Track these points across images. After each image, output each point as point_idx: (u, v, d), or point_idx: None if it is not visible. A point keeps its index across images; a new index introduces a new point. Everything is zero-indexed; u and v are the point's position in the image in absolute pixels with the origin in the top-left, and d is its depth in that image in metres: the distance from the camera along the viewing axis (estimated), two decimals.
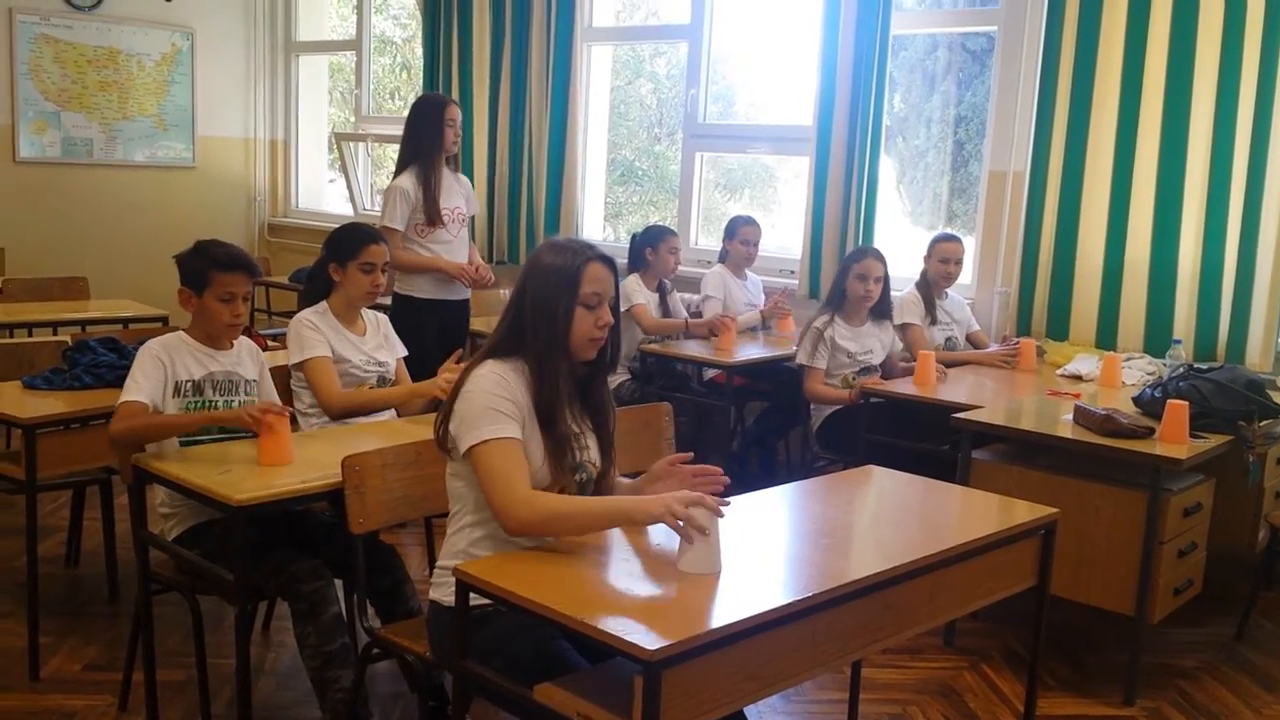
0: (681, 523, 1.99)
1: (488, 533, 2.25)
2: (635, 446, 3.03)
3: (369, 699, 2.70)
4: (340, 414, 3.29)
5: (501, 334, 2.28)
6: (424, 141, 4.54)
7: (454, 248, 4.62)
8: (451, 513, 2.33)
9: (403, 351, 3.57)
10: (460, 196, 4.70)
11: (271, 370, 3.15)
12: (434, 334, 4.41)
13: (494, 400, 2.18)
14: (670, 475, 2.33)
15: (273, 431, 2.65)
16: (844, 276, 4.47)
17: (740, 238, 5.19)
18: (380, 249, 3.43)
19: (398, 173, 4.58)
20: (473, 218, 4.92)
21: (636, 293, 4.96)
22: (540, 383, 2.23)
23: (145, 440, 2.75)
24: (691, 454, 2.37)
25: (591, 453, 2.34)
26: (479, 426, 2.16)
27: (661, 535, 2.24)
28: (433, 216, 4.52)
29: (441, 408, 2.28)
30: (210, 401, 2.88)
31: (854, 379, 4.39)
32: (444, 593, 2.27)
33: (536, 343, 2.23)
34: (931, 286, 4.74)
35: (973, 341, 4.86)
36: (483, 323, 5.01)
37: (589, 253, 2.27)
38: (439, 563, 2.33)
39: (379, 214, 4.68)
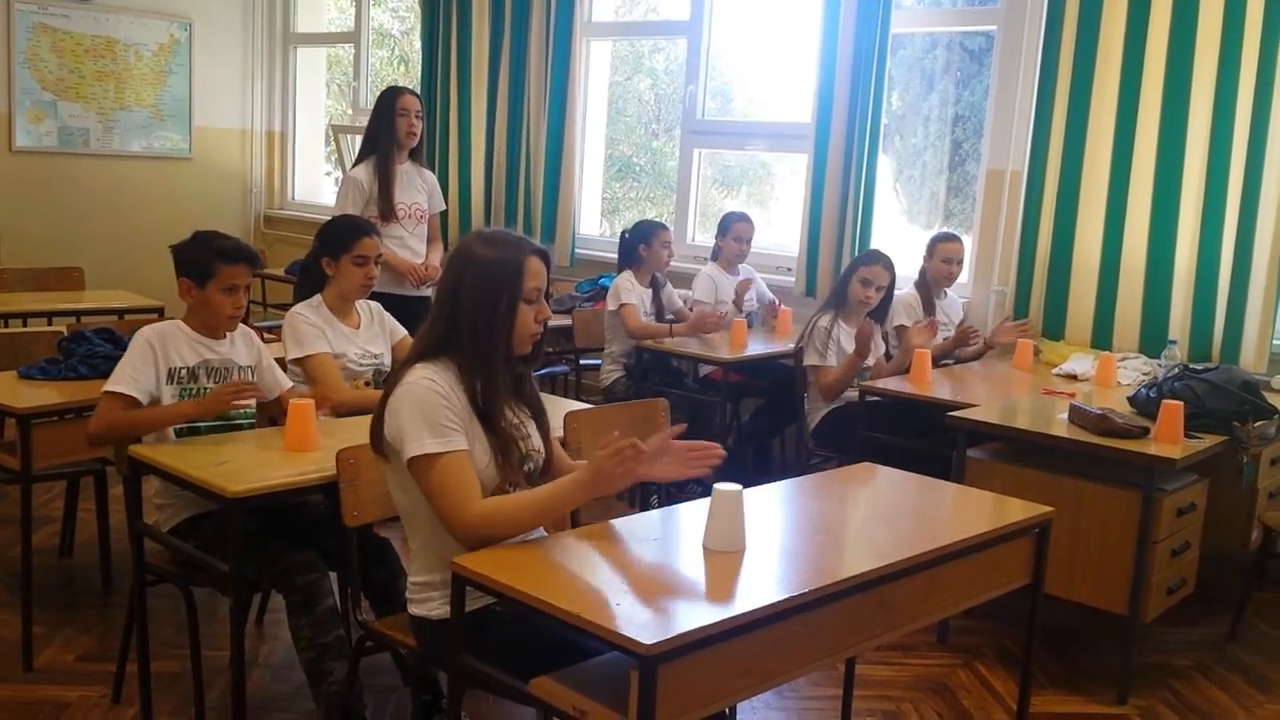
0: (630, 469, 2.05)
1: (449, 541, 2.17)
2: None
3: (363, 691, 2.70)
4: (347, 411, 3.26)
5: (434, 333, 2.21)
6: (379, 134, 4.56)
7: (408, 243, 4.61)
8: (407, 532, 2.29)
9: (403, 332, 3.56)
10: (421, 192, 4.68)
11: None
12: None
13: (433, 410, 2.11)
14: (663, 453, 2.20)
15: (298, 418, 2.69)
16: (849, 277, 4.45)
17: (733, 234, 5.18)
18: (373, 241, 3.43)
19: (355, 164, 4.59)
20: (444, 213, 4.88)
21: (628, 292, 4.94)
22: (480, 381, 2.18)
23: (123, 437, 2.73)
24: (685, 426, 2.29)
25: (534, 440, 2.33)
26: (421, 437, 2.09)
27: (658, 526, 2.24)
28: (386, 211, 4.51)
29: (378, 407, 2.22)
30: (204, 389, 2.88)
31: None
32: (427, 608, 2.25)
33: (475, 340, 2.18)
34: (931, 286, 4.72)
35: None
36: None
37: (527, 246, 2.24)
38: (414, 579, 2.29)
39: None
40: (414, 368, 2.18)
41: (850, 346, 4.40)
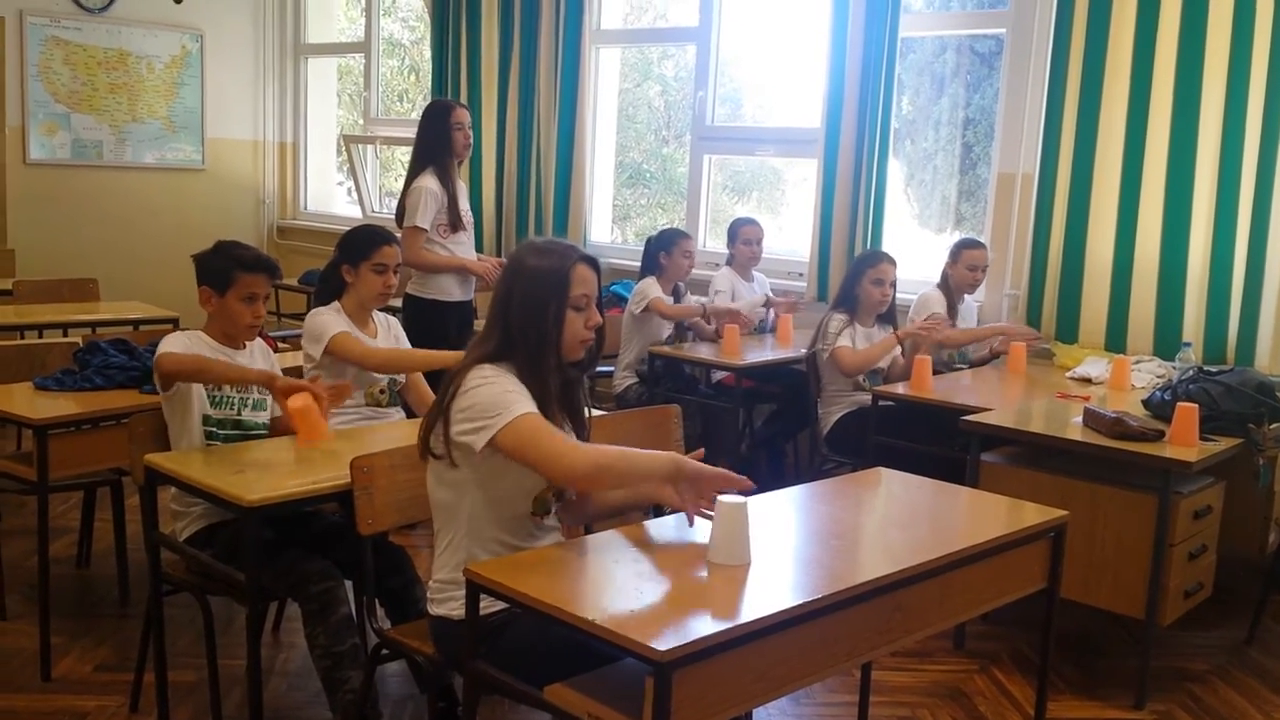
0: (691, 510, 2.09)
1: (485, 539, 2.24)
2: (644, 449, 3.03)
3: (379, 700, 2.71)
4: (381, 367, 3.36)
5: (491, 339, 2.26)
6: (433, 147, 4.59)
7: (467, 250, 4.70)
8: (439, 528, 2.31)
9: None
10: (467, 200, 4.77)
11: (284, 371, 3.17)
12: (455, 336, 4.44)
13: (504, 392, 2.17)
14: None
15: (306, 412, 2.70)
16: (856, 280, 4.44)
17: (742, 239, 5.20)
18: (393, 250, 3.44)
19: (413, 176, 4.61)
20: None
21: (653, 288, 4.98)
22: (532, 386, 2.22)
23: (189, 373, 2.77)
24: (703, 450, 2.34)
25: None
26: (502, 409, 2.13)
27: (672, 532, 2.25)
28: (455, 221, 4.59)
29: (430, 413, 2.26)
30: (227, 398, 2.91)
31: (864, 381, 4.38)
32: (448, 608, 2.26)
33: (527, 347, 2.23)
34: (954, 292, 4.69)
35: None
36: None
37: (574, 254, 2.27)
38: (436, 578, 2.31)
39: (392, 215, 4.75)
40: (480, 366, 2.22)
41: (861, 347, 4.40)
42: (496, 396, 2.16)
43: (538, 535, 2.31)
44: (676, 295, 5.12)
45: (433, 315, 4.54)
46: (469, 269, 4.64)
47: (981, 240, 4.83)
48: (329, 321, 3.33)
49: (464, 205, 4.67)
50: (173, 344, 2.82)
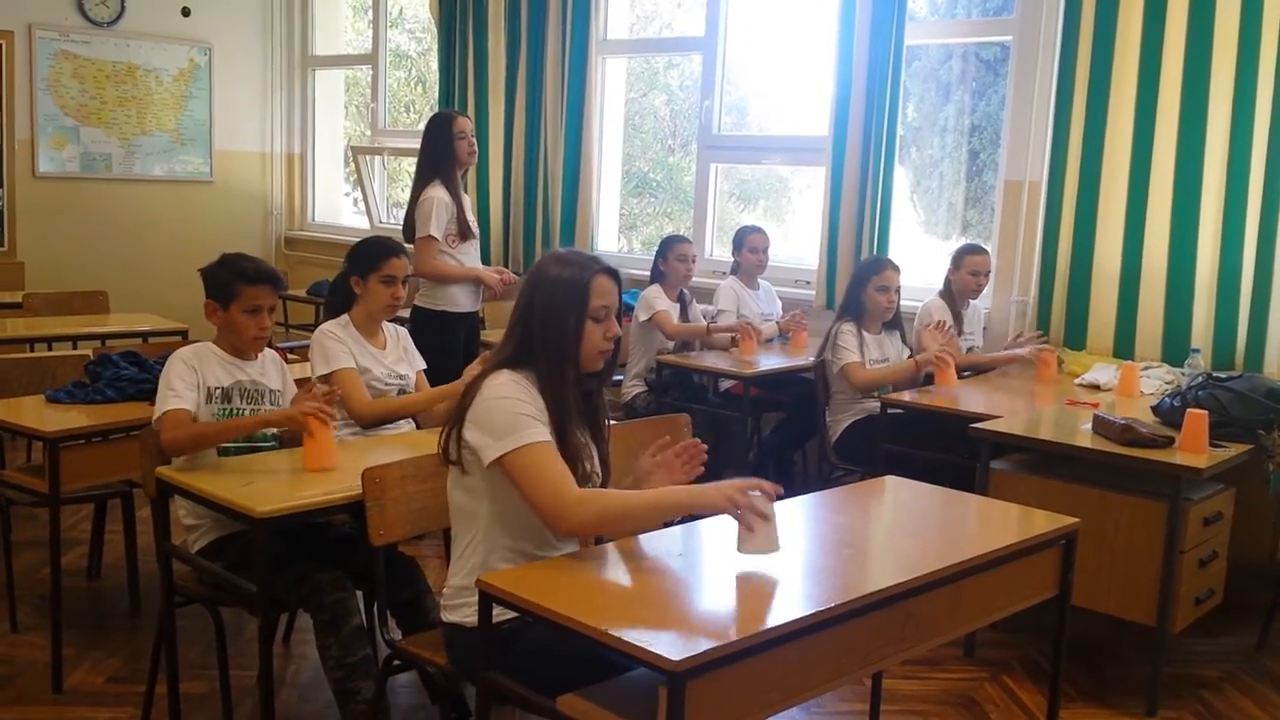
0: (740, 511, 2.05)
1: (502, 547, 2.25)
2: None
3: (390, 711, 2.71)
4: (371, 422, 3.32)
5: (510, 347, 2.29)
6: (438, 158, 4.61)
7: (474, 260, 4.73)
8: (457, 531, 2.33)
9: (421, 364, 3.59)
10: (473, 210, 4.78)
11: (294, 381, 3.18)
12: (462, 347, 4.45)
13: (521, 406, 2.18)
14: (657, 468, 2.36)
15: (316, 436, 2.71)
16: (861, 287, 4.45)
17: (749, 247, 5.20)
18: (401, 262, 3.45)
19: (420, 188, 4.62)
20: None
21: (658, 300, 4.99)
22: (551, 396, 2.23)
23: (198, 447, 2.77)
24: (668, 437, 2.40)
25: (595, 463, 2.36)
26: (513, 432, 2.15)
27: (684, 543, 2.25)
28: (465, 230, 4.60)
29: (450, 417, 2.28)
30: (238, 410, 2.92)
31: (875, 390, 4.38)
32: (462, 614, 2.27)
33: (546, 356, 2.24)
34: (957, 298, 4.70)
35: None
36: (497, 335, 5.04)
37: (595, 265, 2.29)
38: (451, 583, 2.32)
39: (399, 226, 4.75)
40: (501, 372, 2.24)
41: (875, 355, 4.40)
42: (512, 415, 2.17)
43: (556, 544, 2.31)
44: (683, 302, 5.13)
45: (441, 326, 4.55)
46: (481, 279, 4.66)
47: (983, 245, 4.83)
48: (336, 353, 3.31)
49: (470, 215, 4.69)
50: (174, 400, 2.77)
